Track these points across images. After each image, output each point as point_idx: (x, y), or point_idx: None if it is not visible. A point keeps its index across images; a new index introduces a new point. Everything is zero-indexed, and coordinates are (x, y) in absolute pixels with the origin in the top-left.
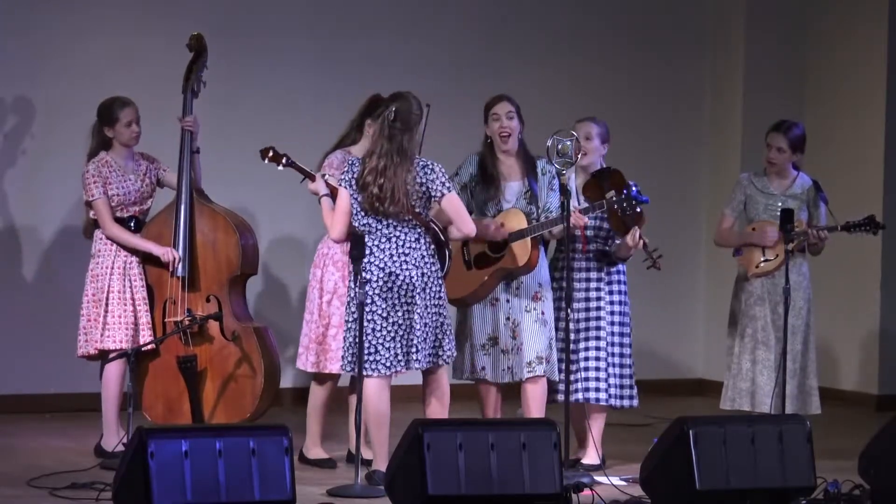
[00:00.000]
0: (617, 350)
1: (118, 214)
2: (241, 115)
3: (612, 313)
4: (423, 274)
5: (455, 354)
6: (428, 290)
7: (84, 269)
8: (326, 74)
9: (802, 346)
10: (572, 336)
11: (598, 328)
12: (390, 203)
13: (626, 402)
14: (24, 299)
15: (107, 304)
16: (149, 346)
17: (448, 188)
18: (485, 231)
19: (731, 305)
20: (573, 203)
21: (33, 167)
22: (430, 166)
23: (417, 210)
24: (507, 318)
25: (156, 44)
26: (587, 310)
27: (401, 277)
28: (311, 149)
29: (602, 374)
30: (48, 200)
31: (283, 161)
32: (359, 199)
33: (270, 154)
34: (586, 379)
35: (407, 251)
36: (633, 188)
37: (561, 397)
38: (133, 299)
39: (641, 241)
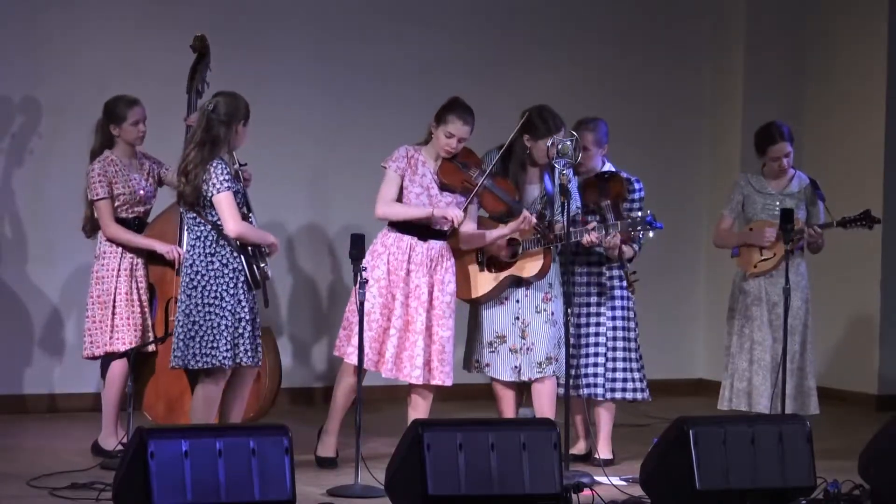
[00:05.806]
0: (621, 344)
1: (123, 215)
2: None
3: (613, 308)
4: (196, 273)
5: (251, 360)
6: (200, 289)
7: (89, 270)
8: (329, 76)
9: (800, 347)
10: (573, 331)
11: (598, 324)
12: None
13: (638, 395)
14: (27, 299)
15: (114, 307)
16: (150, 346)
17: (217, 189)
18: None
19: (729, 305)
20: (575, 204)
21: (41, 166)
22: (207, 168)
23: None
24: (517, 318)
25: (161, 44)
26: (588, 304)
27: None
28: (315, 149)
29: (600, 370)
30: (55, 199)
31: None
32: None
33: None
34: (586, 375)
35: (189, 247)
36: (649, 215)
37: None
38: (140, 300)
39: (617, 251)
